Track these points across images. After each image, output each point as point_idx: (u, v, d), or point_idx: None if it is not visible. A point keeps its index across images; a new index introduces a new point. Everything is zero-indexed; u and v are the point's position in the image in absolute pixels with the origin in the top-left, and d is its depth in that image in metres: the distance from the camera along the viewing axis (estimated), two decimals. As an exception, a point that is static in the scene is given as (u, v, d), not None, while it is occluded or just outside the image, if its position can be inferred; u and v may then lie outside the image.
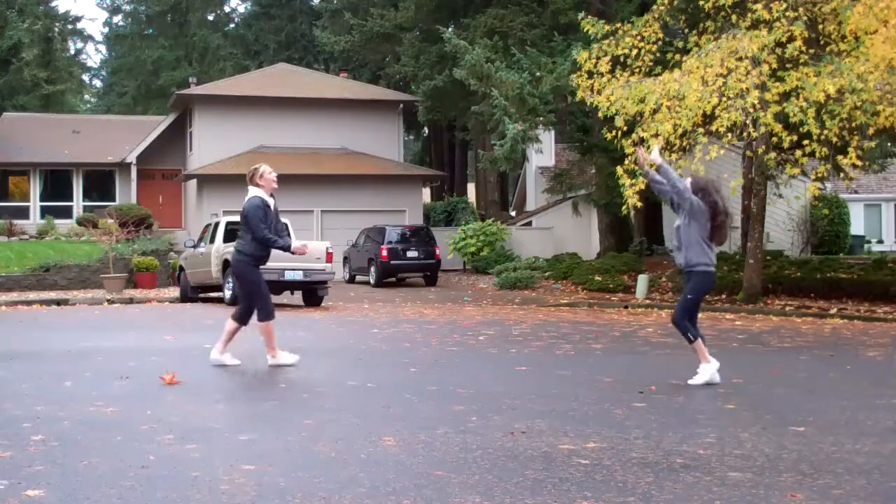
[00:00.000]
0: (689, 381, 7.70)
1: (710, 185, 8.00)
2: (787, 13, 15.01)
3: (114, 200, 32.84)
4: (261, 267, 8.68)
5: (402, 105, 33.46)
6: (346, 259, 28.29)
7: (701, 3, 16.50)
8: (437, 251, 26.37)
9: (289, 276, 17.37)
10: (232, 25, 58.96)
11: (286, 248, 8.61)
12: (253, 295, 8.55)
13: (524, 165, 35.10)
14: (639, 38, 16.72)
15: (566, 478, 4.57)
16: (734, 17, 16.40)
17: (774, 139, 15.69)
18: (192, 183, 31.18)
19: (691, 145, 16.64)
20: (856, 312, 17.16)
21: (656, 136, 15.26)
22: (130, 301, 19.65)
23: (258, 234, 8.41)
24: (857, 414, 6.59)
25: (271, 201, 8.59)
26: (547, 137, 30.38)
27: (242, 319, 8.63)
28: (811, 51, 15.25)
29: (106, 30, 59.88)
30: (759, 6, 15.58)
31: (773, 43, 14.88)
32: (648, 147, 7.94)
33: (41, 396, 6.82)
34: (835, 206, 31.57)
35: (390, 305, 18.78)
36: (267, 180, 8.58)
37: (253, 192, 8.57)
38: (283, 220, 21.16)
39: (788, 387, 8.03)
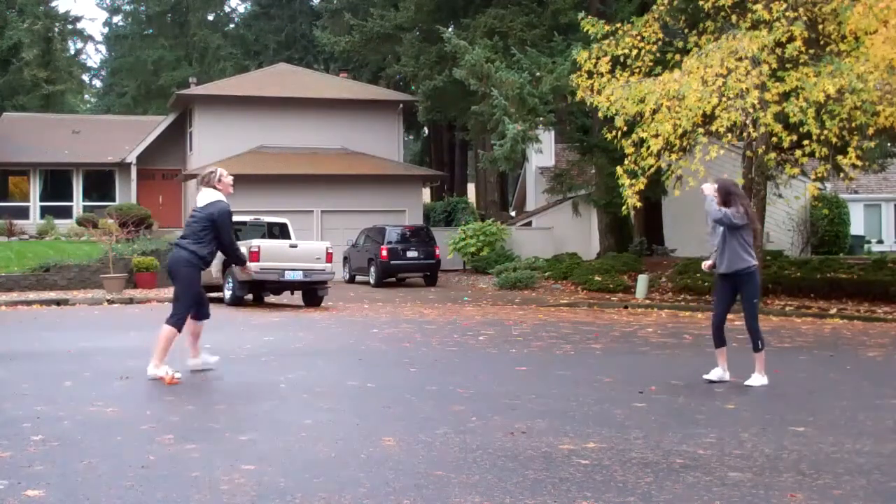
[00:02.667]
0: (746, 382, 7.95)
1: (736, 187, 8.24)
2: (787, 13, 15.00)
3: (114, 200, 32.82)
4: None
5: (402, 105, 33.47)
6: (346, 259, 28.29)
7: (701, 3, 16.49)
8: (437, 251, 26.38)
9: (289, 276, 17.36)
10: (232, 25, 58.99)
11: (243, 262, 8.56)
12: (182, 298, 8.10)
13: (524, 165, 35.10)
14: (639, 38, 16.72)
15: (566, 478, 4.58)
16: (734, 18, 16.40)
17: (774, 139, 15.69)
18: (192, 183, 31.17)
19: (691, 145, 16.64)
20: (856, 312, 17.16)
21: (656, 136, 15.26)
22: (130, 301, 19.64)
23: (227, 240, 8.20)
24: (857, 414, 6.59)
25: None
26: (547, 137, 30.37)
27: (196, 316, 8.27)
28: (811, 51, 15.24)
29: (106, 30, 59.93)
30: (759, 6, 15.58)
31: (773, 43, 14.88)
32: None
33: (41, 396, 6.82)
34: (835, 206, 31.57)
35: (390, 305, 18.78)
36: (225, 184, 8.28)
37: (215, 195, 8.20)
38: (283, 219, 21.27)
39: (788, 387, 8.04)
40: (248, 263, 16.78)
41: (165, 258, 24.82)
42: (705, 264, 8.61)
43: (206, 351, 8.68)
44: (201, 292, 8.31)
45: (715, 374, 8.21)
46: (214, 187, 8.23)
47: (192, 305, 8.12)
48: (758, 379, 7.95)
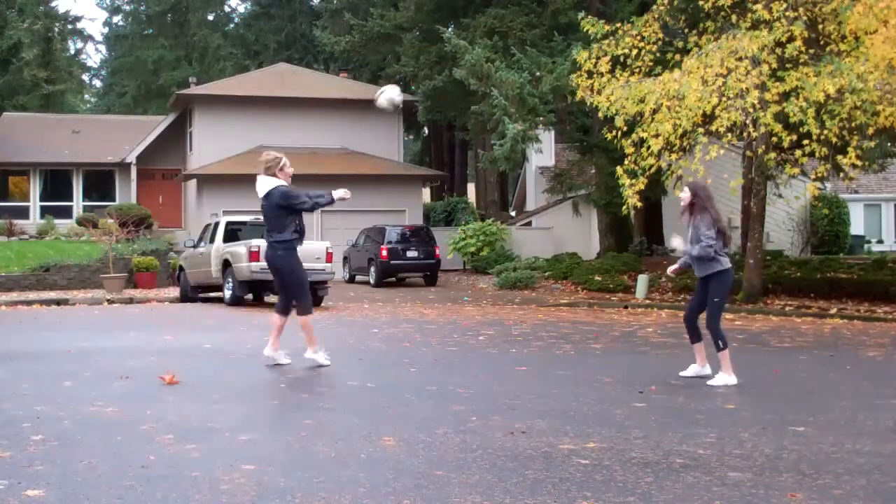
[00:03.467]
0: (709, 382, 7.97)
1: (706, 190, 8.43)
2: (787, 13, 15.00)
3: (114, 200, 32.84)
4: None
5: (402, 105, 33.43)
6: (346, 259, 28.29)
7: (701, 3, 16.50)
8: (437, 251, 26.38)
9: (289, 276, 17.33)
10: (232, 25, 58.99)
11: (331, 201, 8.55)
12: (292, 286, 8.41)
13: (524, 165, 35.09)
14: (639, 38, 16.71)
15: (566, 478, 4.58)
16: (734, 17, 16.40)
17: (774, 139, 15.69)
18: (192, 183, 31.18)
19: (691, 145, 16.64)
20: (856, 312, 17.16)
21: (656, 136, 15.26)
22: (130, 301, 19.64)
23: (307, 206, 8.33)
24: (857, 414, 6.59)
25: None
26: (547, 137, 30.38)
27: (286, 311, 8.56)
28: (811, 51, 15.24)
29: (106, 30, 59.94)
30: (759, 6, 15.58)
31: (773, 43, 14.88)
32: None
33: (41, 396, 6.82)
34: (835, 206, 31.58)
35: (390, 305, 18.78)
36: (286, 174, 8.45)
37: (273, 182, 8.33)
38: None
39: (788, 387, 8.03)
40: (249, 264, 16.90)
41: (165, 258, 24.98)
42: (671, 269, 8.82)
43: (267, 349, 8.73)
44: (299, 281, 8.44)
45: (692, 370, 8.36)
46: (275, 175, 8.39)
47: (306, 288, 8.43)
48: (722, 378, 7.90)
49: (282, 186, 8.32)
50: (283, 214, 8.30)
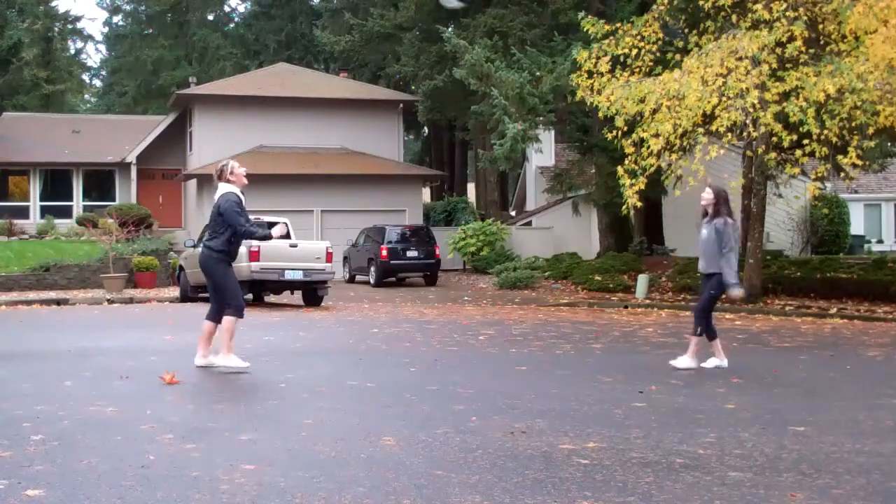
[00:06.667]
0: (671, 362, 9.02)
1: (727, 195, 9.23)
2: (787, 13, 15.00)
3: (114, 200, 32.83)
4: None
5: (402, 105, 33.47)
6: (346, 259, 28.29)
7: (701, 3, 16.48)
8: (437, 251, 26.38)
9: (289, 275, 17.37)
10: (232, 25, 58.99)
11: (267, 238, 8.64)
12: (223, 291, 8.44)
13: (524, 165, 35.09)
14: (639, 37, 16.70)
15: (566, 478, 4.58)
16: (734, 17, 16.39)
17: (774, 139, 15.68)
18: (192, 183, 31.18)
19: (691, 145, 16.63)
20: (856, 312, 17.15)
21: (656, 135, 15.26)
22: (130, 301, 19.64)
23: (239, 228, 8.29)
24: (857, 414, 6.59)
25: (243, 198, 8.50)
26: (547, 137, 30.36)
27: (216, 318, 8.55)
28: (811, 51, 15.24)
29: (106, 30, 59.95)
30: (759, 6, 15.58)
31: (773, 43, 14.87)
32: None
33: (41, 396, 6.82)
34: (835, 206, 31.56)
35: (390, 305, 18.77)
36: (238, 176, 8.45)
37: (226, 187, 8.38)
38: (283, 219, 21.27)
39: (788, 387, 8.03)
40: (249, 263, 16.89)
41: (165, 258, 24.98)
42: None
43: (214, 353, 8.75)
44: (228, 285, 8.48)
45: (711, 362, 9.02)
46: (228, 180, 8.43)
47: (237, 291, 8.48)
48: (685, 361, 8.86)
49: (230, 195, 8.31)
50: (222, 223, 8.31)
